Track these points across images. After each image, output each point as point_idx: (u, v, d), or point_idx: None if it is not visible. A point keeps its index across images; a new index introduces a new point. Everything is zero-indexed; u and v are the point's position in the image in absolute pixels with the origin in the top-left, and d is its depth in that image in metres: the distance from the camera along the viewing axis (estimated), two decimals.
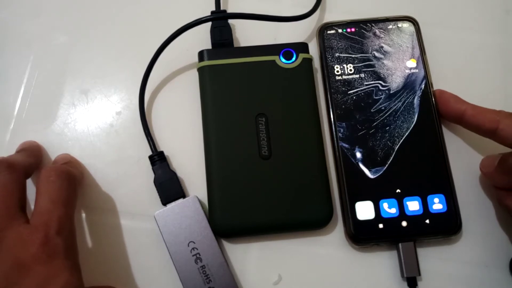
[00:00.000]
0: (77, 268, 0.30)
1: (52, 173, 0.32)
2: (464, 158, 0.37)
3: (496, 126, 0.33)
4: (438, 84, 0.38)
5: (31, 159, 0.35)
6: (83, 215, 0.36)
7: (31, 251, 0.28)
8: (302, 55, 0.38)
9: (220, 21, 0.39)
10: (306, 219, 0.34)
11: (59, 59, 0.40)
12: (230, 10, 0.41)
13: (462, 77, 0.40)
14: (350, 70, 0.38)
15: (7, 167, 0.31)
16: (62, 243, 0.29)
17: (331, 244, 0.35)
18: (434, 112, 0.37)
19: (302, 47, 0.38)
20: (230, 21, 0.40)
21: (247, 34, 0.41)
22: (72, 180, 0.33)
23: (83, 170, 0.37)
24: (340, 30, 0.39)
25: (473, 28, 0.41)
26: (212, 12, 0.39)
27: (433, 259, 0.34)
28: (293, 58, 0.37)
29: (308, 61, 0.38)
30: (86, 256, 0.35)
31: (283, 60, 0.37)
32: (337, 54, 0.39)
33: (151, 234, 0.35)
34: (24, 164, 0.33)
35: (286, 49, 0.38)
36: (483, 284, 0.34)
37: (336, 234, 0.35)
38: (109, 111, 0.39)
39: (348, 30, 0.39)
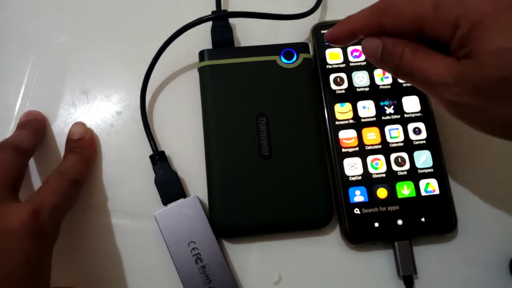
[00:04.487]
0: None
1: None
2: (460, 155, 0.37)
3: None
4: None
5: (35, 138, 0.36)
6: (84, 215, 0.36)
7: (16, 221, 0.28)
8: (302, 55, 0.37)
9: (220, 21, 0.39)
10: (306, 219, 0.34)
11: (59, 59, 0.40)
12: (231, 10, 0.41)
13: None
14: None
15: (11, 150, 0.32)
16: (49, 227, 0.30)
17: (331, 244, 0.35)
18: (429, 109, 0.36)
19: (302, 47, 0.38)
20: (231, 21, 0.40)
21: (247, 34, 0.41)
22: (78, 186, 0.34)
23: (95, 149, 0.37)
24: None
25: None
26: (213, 12, 0.39)
27: (429, 257, 0.34)
28: (294, 58, 0.37)
29: (309, 61, 0.38)
30: (86, 256, 0.35)
31: (284, 60, 0.37)
32: None
33: (151, 234, 0.35)
34: (28, 146, 0.34)
35: (287, 49, 0.37)
36: (480, 282, 0.34)
37: (336, 233, 0.35)
38: (110, 111, 0.39)
39: None
